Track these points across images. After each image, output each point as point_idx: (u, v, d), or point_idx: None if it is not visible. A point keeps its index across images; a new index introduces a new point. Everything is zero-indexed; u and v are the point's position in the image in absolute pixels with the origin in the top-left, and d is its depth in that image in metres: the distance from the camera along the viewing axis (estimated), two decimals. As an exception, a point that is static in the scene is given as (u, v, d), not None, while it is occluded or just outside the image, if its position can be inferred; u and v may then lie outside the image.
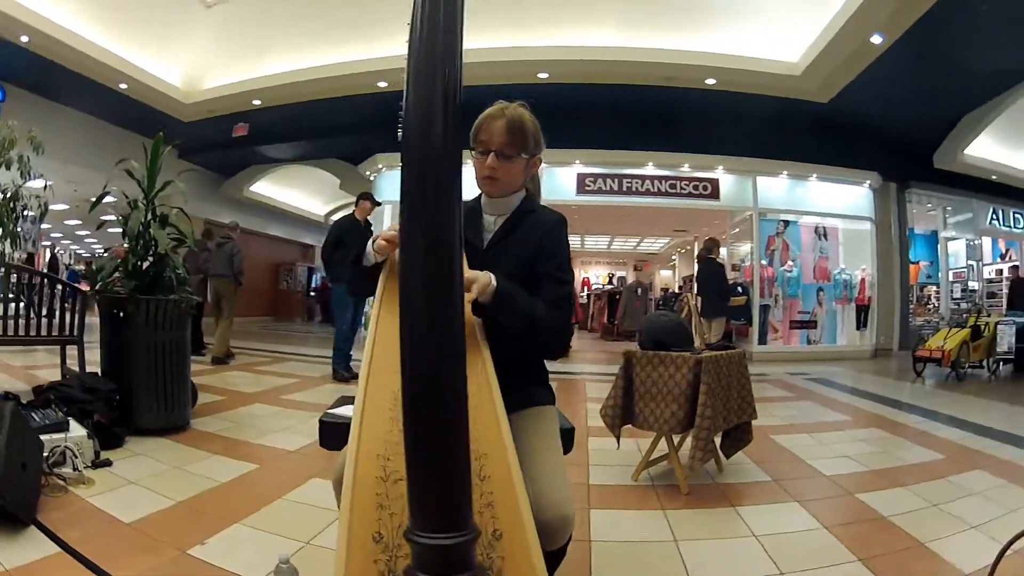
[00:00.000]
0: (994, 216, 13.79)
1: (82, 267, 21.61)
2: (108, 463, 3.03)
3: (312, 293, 20.84)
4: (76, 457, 2.84)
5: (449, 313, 0.80)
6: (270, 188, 16.96)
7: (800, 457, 4.00)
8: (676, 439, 3.41)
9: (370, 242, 1.58)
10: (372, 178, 11.92)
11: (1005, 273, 14.24)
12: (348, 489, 1.06)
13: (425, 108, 0.82)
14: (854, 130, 10.63)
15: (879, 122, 10.55)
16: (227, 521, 2.49)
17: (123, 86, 9.70)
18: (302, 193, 18.35)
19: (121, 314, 3.70)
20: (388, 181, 11.37)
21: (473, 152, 1.62)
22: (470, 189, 1.80)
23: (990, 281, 14.30)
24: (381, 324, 1.39)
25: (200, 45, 9.59)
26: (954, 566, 2.41)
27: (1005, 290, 13.72)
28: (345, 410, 1.91)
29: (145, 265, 3.86)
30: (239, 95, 10.24)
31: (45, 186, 4.16)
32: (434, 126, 0.81)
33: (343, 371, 6.52)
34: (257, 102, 10.43)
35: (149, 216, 3.88)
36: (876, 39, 7.78)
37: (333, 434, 1.83)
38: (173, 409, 3.78)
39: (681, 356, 3.30)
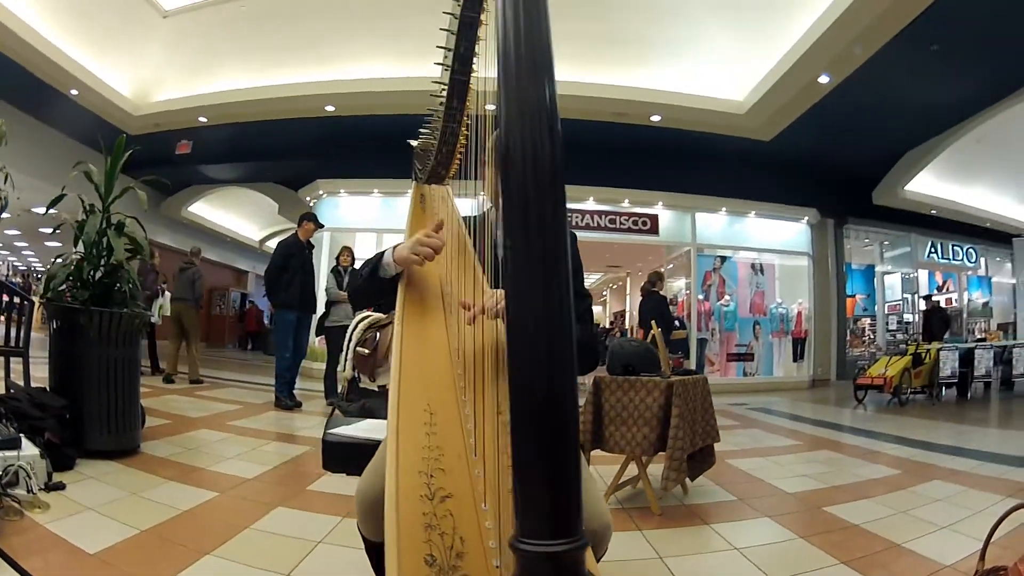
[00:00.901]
0: (932, 249, 14.48)
1: (19, 279, 20.53)
2: (61, 486, 2.82)
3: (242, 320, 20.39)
4: (30, 478, 2.63)
5: (561, 324, 0.77)
6: (207, 210, 16.49)
7: (760, 478, 4.09)
8: (645, 461, 3.43)
9: (388, 251, 1.52)
10: (312, 204, 11.68)
11: (942, 304, 14.98)
12: (392, 511, 0.98)
13: (531, 136, 0.78)
14: (794, 167, 10.99)
15: (820, 159, 10.97)
16: (197, 552, 2.32)
17: (74, 92, 9.26)
18: (239, 217, 17.96)
19: (71, 326, 3.47)
20: (329, 207, 11.17)
21: (486, 169, 1.61)
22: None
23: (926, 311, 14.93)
24: (407, 338, 1.34)
25: (153, 56, 9.30)
26: (936, 560, 2.53)
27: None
28: (349, 429, 1.80)
29: (98, 275, 3.63)
30: (186, 111, 9.92)
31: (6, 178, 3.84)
32: (540, 153, 0.77)
33: (286, 399, 6.33)
34: (203, 119, 10.14)
35: (104, 223, 3.66)
36: (823, 79, 8.12)
37: (339, 455, 1.74)
38: (123, 431, 3.55)
39: (652, 380, 3.37)
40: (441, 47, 1.37)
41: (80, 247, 3.64)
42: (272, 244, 20.28)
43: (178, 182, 13.70)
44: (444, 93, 1.44)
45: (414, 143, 1.74)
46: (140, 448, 3.77)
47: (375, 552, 1.39)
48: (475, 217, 1.74)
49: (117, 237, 3.62)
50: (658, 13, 7.97)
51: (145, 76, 9.69)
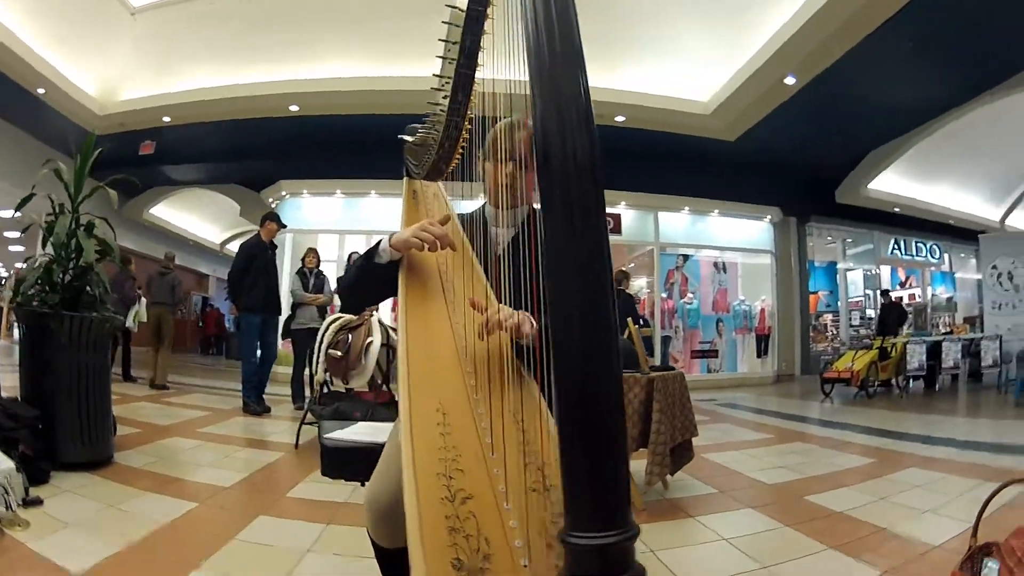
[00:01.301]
0: (895, 246, 14.83)
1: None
2: (39, 501, 2.70)
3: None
4: (8, 494, 2.50)
5: (604, 320, 0.77)
6: (169, 212, 16.12)
7: (737, 471, 4.16)
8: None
9: (384, 239, 1.49)
10: (275, 205, 11.47)
11: (905, 300, 15.31)
12: (414, 516, 0.95)
13: (566, 129, 0.79)
14: (758, 167, 11.11)
15: (783, 159, 11.12)
16: (187, 566, 2.25)
17: (41, 91, 8.93)
18: (200, 219, 17.61)
19: (42, 332, 3.33)
20: (292, 208, 11.01)
21: (486, 161, 1.59)
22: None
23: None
24: (411, 334, 1.31)
25: (120, 55, 9.03)
26: (924, 541, 2.63)
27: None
28: (346, 433, 1.76)
29: (67, 278, 3.49)
30: (151, 110, 9.67)
31: None
32: (579, 149, 0.78)
33: (254, 404, 6.21)
34: (167, 119, 9.88)
35: (74, 224, 3.52)
36: (789, 80, 8.25)
37: (338, 460, 1.69)
38: (96, 441, 3.43)
39: (633, 376, 3.38)
40: (443, 40, 1.35)
41: (49, 249, 3.49)
42: (234, 247, 20.05)
43: (140, 184, 13.36)
44: (446, 87, 1.41)
45: (408, 138, 1.70)
46: (114, 458, 3.64)
47: (389, 559, 1.35)
48: (469, 215, 1.71)
49: (87, 238, 3.48)
50: (624, 14, 8.00)
51: (112, 75, 9.44)
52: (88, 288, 3.50)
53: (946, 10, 6.80)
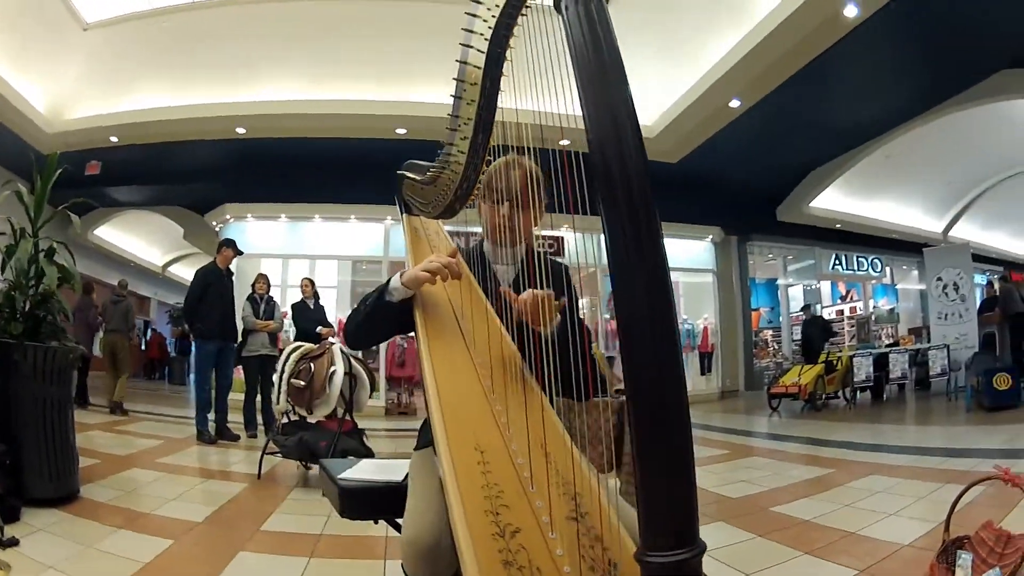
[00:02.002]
0: (837, 261, 15.29)
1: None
2: (15, 542, 2.56)
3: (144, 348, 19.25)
4: (-12, 535, 2.37)
5: (670, 339, 0.83)
6: (112, 233, 15.57)
7: (701, 487, 4.20)
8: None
9: (396, 276, 1.50)
10: (219, 228, 11.27)
11: (846, 313, 15.92)
12: (470, 556, 0.97)
13: (619, 142, 0.89)
14: (700, 188, 11.37)
15: (725, 179, 11.50)
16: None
17: None
18: (143, 241, 17.14)
19: (5, 363, 3.17)
20: (236, 232, 10.57)
21: (483, 201, 1.61)
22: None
23: (832, 321, 15.54)
24: (439, 373, 1.33)
25: (70, 71, 8.73)
26: (894, 542, 2.76)
27: (846, 327, 15.42)
28: (355, 472, 1.74)
29: (28, 305, 3.34)
30: (98, 129, 9.33)
31: None
32: (632, 157, 0.89)
33: (207, 432, 6.08)
34: (114, 139, 9.56)
35: (35, 249, 3.38)
36: (734, 103, 8.58)
37: (358, 501, 1.65)
38: (62, 476, 3.28)
39: (604, 401, 3.44)
40: (457, 79, 1.35)
41: (8, 274, 3.34)
42: (176, 270, 19.52)
43: (85, 204, 12.87)
44: (463, 127, 1.40)
45: (411, 175, 1.67)
46: (80, 493, 3.49)
47: None
48: (467, 251, 1.73)
49: (49, 264, 3.35)
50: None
51: (61, 92, 9.10)
52: (49, 316, 3.36)
53: (883, 40, 7.26)
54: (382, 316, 1.52)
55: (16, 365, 3.17)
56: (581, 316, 1.78)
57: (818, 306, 15.09)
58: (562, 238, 10.93)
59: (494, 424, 1.25)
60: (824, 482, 4.18)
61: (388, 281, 1.51)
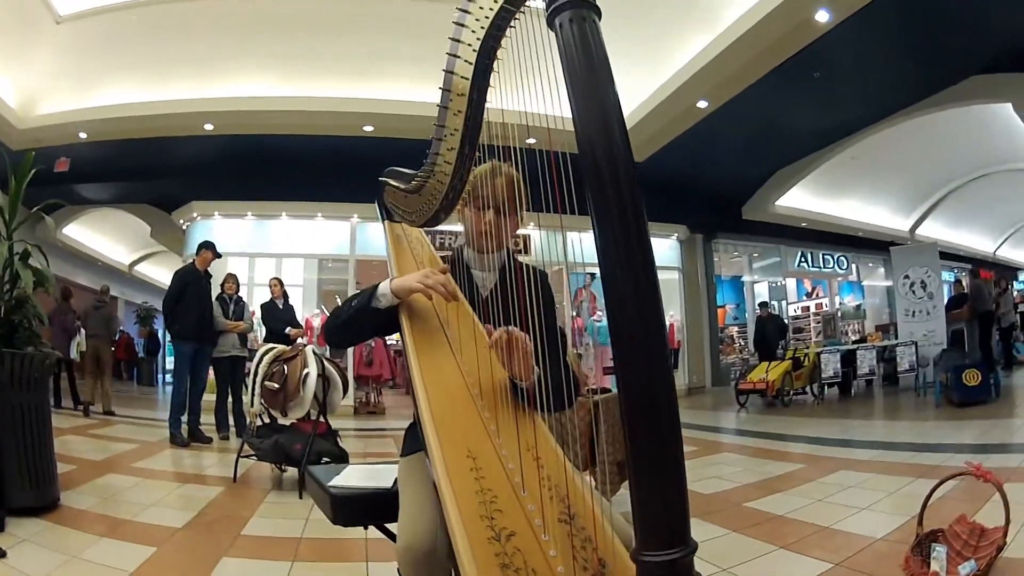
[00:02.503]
0: (802, 259, 15.50)
1: None
2: (3, 554, 2.52)
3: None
4: (-24, 548, 2.33)
5: (659, 340, 0.87)
6: (80, 232, 15.27)
7: None
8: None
9: (385, 283, 1.52)
10: (185, 227, 11.15)
11: (812, 309, 16.11)
12: (470, 561, 1.00)
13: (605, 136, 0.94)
14: (666, 187, 11.33)
15: (691, 179, 11.55)
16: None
17: None
18: (109, 239, 16.75)
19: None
20: (202, 231, 10.62)
21: (466, 207, 1.62)
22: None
23: (796, 317, 16.02)
24: (429, 380, 1.35)
25: (42, 65, 8.50)
26: (867, 535, 2.84)
27: (812, 323, 15.62)
28: (344, 479, 1.76)
29: (3, 311, 3.27)
30: (68, 125, 9.11)
31: None
32: (618, 151, 0.93)
33: (179, 435, 6.05)
34: (83, 135, 9.35)
35: (9, 252, 3.30)
36: (702, 104, 8.67)
37: (350, 508, 1.68)
38: (42, 484, 3.23)
39: (578, 400, 3.50)
40: (443, 88, 1.32)
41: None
42: (143, 268, 19.15)
43: (62, 204, 12.60)
44: (449, 138, 1.38)
45: (394, 182, 1.66)
46: (60, 500, 3.45)
47: None
48: (449, 257, 1.74)
49: (24, 268, 3.28)
50: (537, 40, 8.20)
51: (32, 86, 8.88)
52: (25, 321, 3.30)
53: (853, 45, 7.39)
54: (367, 320, 1.54)
55: (-7, 372, 3.12)
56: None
57: (776, 304, 15.28)
58: (528, 236, 11.00)
59: (484, 430, 1.28)
60: (795, 477, 4.27)
61: (376, 286, 1.52)
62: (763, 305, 12.83)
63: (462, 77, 1.30)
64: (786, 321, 14.21)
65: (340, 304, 1.67)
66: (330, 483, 1.71)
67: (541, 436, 1.28)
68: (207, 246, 6.54)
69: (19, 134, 9.07)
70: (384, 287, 1.51)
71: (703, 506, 3.65)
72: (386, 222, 1.85)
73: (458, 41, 1.27)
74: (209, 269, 6.54)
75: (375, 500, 1.66)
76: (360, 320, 1.55)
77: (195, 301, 6.19)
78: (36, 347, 3.33)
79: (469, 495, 1.11)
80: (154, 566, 2.64)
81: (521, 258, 1.76)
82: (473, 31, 1.26)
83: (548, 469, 1.20)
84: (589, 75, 0.95)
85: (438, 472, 1.14)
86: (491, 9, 1.24)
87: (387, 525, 1.68)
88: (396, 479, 1.61)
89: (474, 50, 1.27)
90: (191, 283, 6.24)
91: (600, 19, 0.96)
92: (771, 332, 11.63)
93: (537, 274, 1.65)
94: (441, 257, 1.78)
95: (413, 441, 1.54)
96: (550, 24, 0.99)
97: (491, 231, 1.60)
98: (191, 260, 6.61)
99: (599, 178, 0.91)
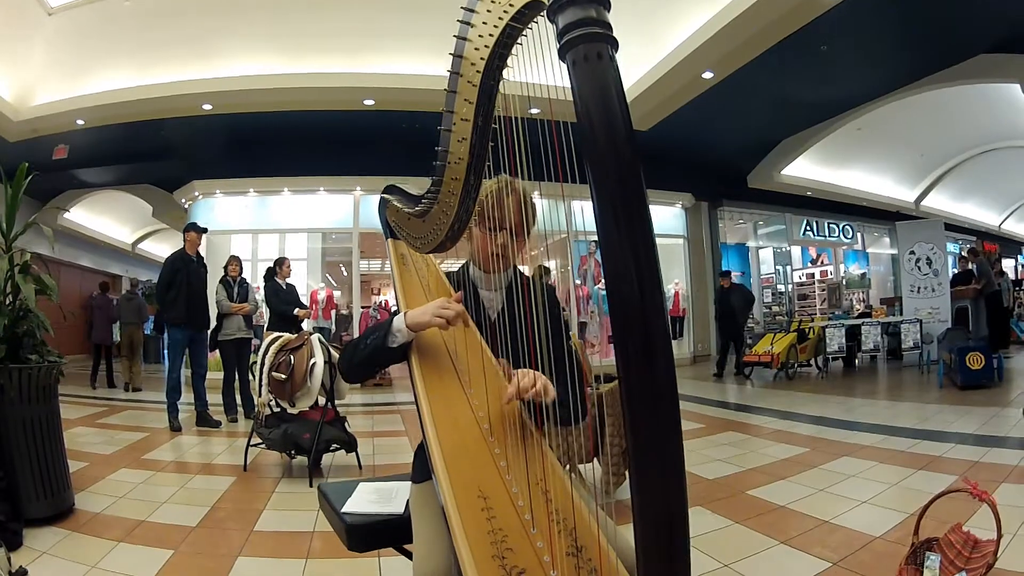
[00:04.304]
0: (808, 227, 15.46)
1: None
2: (24, 572, 2.53)
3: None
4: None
5: (665, 361, 0.88)
6: (82, 215, 15.33)
7: None
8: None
9: (399, 318, 1.47)
10: (187, 206, 11.25)
11: (817, 277, 16.07)
12: None
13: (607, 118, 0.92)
14: (671, 155, 11.40)
15: (696, 147, 11.53)
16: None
17: None
18: (112, 220, 16.86)
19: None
20: (204, 209, 10.80)
21: (475, 226, 1.57)
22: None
23: (800, 284, 15.96)
24: (438, 415, 1.35)
25: (36, 56, 8.46)
26: (866, 533, 2.88)
27: (817, 291, 15.58)
28: (358, 504, 1.76)
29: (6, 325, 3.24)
30: (64, 114, 9.11)
31: None
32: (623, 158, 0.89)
33: (175, 421, 6.15)
34: (81, 122, 9.34)
35: (10, 265, 3.29)
36: (707, 75, 8.57)
37: (363, 535, 1.69)
38: (56, 493, 3.26)
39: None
40: (445, 110, 1.25)
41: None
42: (146, 246, 19.17)
43: (53, 188, 12.75)
44: (453, 163, 1.30)
45: (400, 205, 1.58)
46: (75, 505, 3.49)
47: None
48: (455, 275, 1.72)
49: (25, 281, 3.26)
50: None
51: (26, 78, 8.86)
52: (27, 336, 3.29)
53: (862, 19, 7.27)
54: (383, 359, 1.50)
55: (1, 388, 3.13)
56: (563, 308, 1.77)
57: (781, 269, 15.25)
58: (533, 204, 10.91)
59: (494, 467, 1.28)
60: (799, 463, 4.30)
61: (391, 322, 1.48)
62: (724, 274, 10.78)
63: (467, 100, 1.23)
64: (754, 293, 13.17)
65: (355, 339, 1.62)
66: (343, 509, 1.72)
67: (549, 467, 1.28)
68: (190, 228, 6.53)
69: (15, 126, 9.12)
70: (399, 323, 1.46)
71: (707, 493, 3.69)
72: (389, 240, 1.79)
73: (461, 57, 1.20)
74: (201, 250, 6.57)
75: (388, 523, 1.68)
76: (375, 359, 1.51)
77: (184, 287, 6.20)
78: (42, 355, 3.33)
79: (481, 536, 1.12)
80: (172, 571, 2.68)
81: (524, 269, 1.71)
82: (477, 48, 1.20)
83: (556, 502, 1.21)
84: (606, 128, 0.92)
85: (451, 516, 1.14)
86: (495, 26, 1.17)
87: (403, 547, 1.71)
88: (408, 501, 1.62)
89: (478, 71, 1.21)
90: (179, 269, 6.24)
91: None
92: (738, 306, 10.21)
93: (544, 287, 1.62)
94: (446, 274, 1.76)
95: (424, 467, 1.53)
96: (561, 57, 0.97)
97: (501, 253, 1.57)
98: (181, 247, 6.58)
99: (599, 156, 0.89)
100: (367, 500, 1.76)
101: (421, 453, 1.59)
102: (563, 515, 1.19)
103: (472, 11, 1.18)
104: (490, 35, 1.18)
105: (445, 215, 1.39)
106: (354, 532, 1.67)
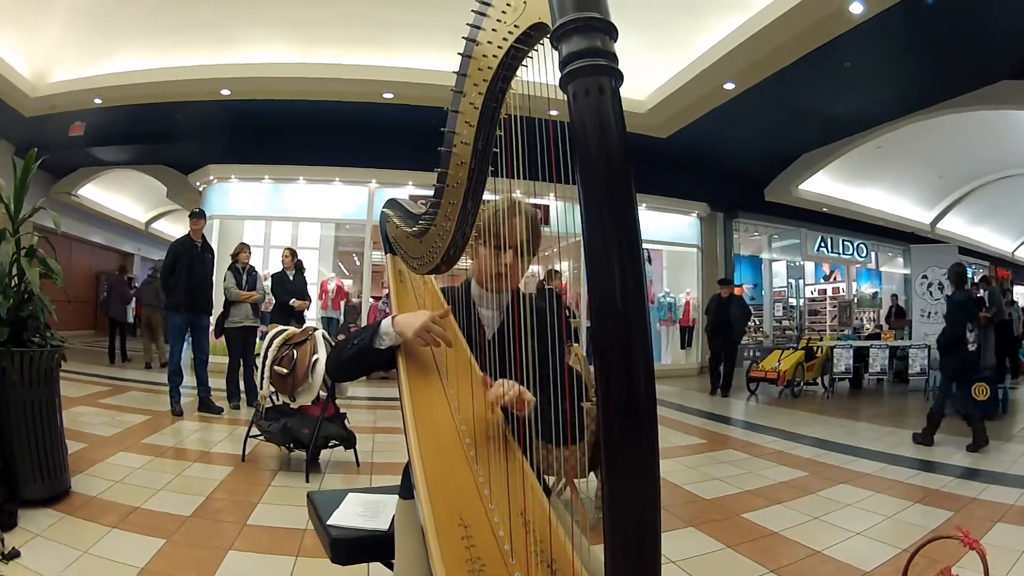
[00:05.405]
0: (822, 243, 15.37)
1: None
2: (17, 554, 2.56)
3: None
4: (-7, 550, 2.38)
5: (645, 365, 0.84)
6: (96, 192, 15.42)
7: (674, 483, 4.34)
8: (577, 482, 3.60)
9: (387, 321, 1.49)
10: (201, 189, 11.33)
11: (828, 294, 15.94)
12: None
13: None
14: (689, 164, 11.38)
15: (715, 157, 11.50)
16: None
17: None
18: (126, 198, 16.94)
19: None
20: (219, 194, 10.89)
21: (479, 243, 1.57)
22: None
23: (812, 300, 15.86)
24: (423, 433, 1.35)
25: (53, 34, 8.48)
26: (856, 566, 2.85)
27: (828, 308, 15.48)
28: (344, 517, 1.77)
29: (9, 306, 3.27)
30: (82, 92, 9.20)
31: None
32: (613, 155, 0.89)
33: (176, 406, 6.18)
34: (98, 101, 9.42)
35: (16, 248, 3.31)
36: (729, 86, 8.54)
37: (348, 549, 1.71)
38: (53, 476, 3.30)
39: (583, 407, 3.47)
40: (445, 130, 1.25)
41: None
42: (159, 226, 19.31)
43: (69, 164, 12.81)
44: (452, 185, 1.29)
45: (399, 222, 1.61)
46: (71, 487, 3.52)
47: None
48: (453, 290, 1.71)
49: (30, 265, 3.29)
50: None
51: (44, 55, 8.91)
52: (31, 319, 3.31)
53: (886, 38, 7.25)
54: (369, 360, 1.53)
55: (4, 371, 3.15)
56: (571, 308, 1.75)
57: (794, 282, 15.08)
58: (547, 207, 10.90)
59: (477, 495, 1.28)
60: (797, 487, 4.27)
61: (379, 324, 1.50)
62: (724, 282, 10.12)
63: (468, 123, 1.23)
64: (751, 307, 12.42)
65: (346, 339, 1.64)
66: (329, 521, 1.73)
67: (532, 496, 1.27)
68: (193, 215, 6.56)
69: (33, 102, 9.23)
70: (387, 326, 1.48)
71: (702, 514, 3.67)
72: (389, 255, 1.79)
73: (464, 75, 1.19)
74: (213, 234, 6.60)
75: (373, 539, 1.69)
76: (361, 359, 1.54)
77: (185, 273, 6.23)
78: (44, 338, 3.35)
79: (460, 564, 1.12)
80: (162, 561, 2.69)
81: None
82: (480, 70, 1.19)
83: (537, 533, 1.20)
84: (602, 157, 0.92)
85: (430, 542, 1.14)
86: (499, 46, 1.15)
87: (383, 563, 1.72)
88: (393, 518, 1.62)
89: (480, 92, 1.20)
90: (181, 255, 6.28)
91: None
92: (737, 319, 9.52)
93: (552, 295, 1.62)
94: (443, 289, 1.76)
95: (410, 483, 1.50)
96: (563, 88, 0.92)
97: (507, 274, 1.56)
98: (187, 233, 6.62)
99: (597, 198, 0.92)
100: (354, 513, 1.77)
101: (409, 471, 1.58)
102: (541, 546, 1.18)
103: (478, 28, 1.17)
104: (494, 56, 1.16)
105: (441, 239, 1.39)
106: (338, 546, 1.68)
